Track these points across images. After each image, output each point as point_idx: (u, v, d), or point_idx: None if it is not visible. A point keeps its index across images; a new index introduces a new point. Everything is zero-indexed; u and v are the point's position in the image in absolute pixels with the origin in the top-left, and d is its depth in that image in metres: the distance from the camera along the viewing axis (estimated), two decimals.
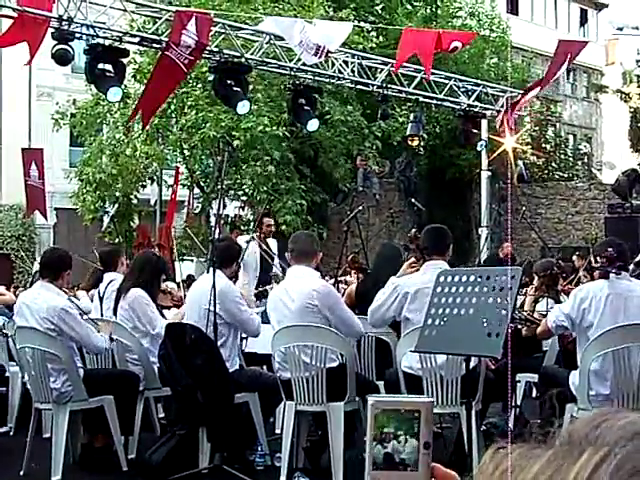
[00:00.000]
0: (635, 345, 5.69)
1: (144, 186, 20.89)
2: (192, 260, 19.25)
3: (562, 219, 23.35)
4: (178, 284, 10.07)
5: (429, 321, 4.70)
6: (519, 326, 6.63)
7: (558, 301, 7.72)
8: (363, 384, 6.35)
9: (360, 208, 10.17)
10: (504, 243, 14.17)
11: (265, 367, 7.33)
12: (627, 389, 5.67)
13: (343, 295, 7.64)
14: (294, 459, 6.22)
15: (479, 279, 4.56)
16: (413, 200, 12.18)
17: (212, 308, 6.26)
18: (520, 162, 22.46)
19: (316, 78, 13.65)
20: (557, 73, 13.48)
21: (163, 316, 7.20)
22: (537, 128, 26.47)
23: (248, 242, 9.44)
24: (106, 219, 20.33)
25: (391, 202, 22.79)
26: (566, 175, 27.27)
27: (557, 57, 13.16)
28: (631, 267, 6.75)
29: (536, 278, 7.97)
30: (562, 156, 28.65)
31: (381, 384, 6.58)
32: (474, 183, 19.61)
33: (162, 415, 7.61)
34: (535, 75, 28.96)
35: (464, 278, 4.66)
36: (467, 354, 4.62)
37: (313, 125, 13.49)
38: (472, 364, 5.66)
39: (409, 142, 16.37)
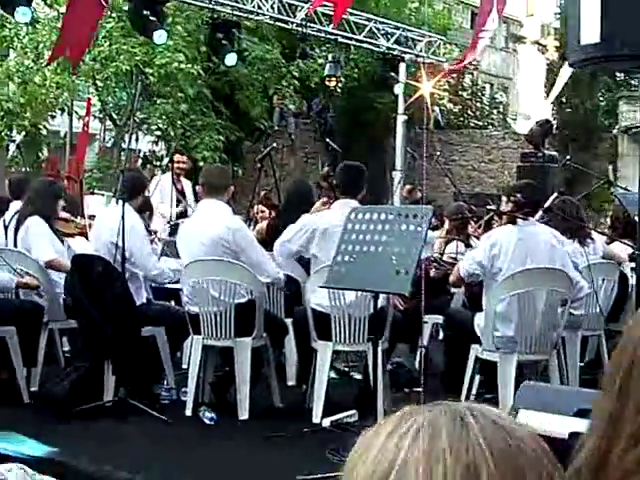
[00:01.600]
0: (540, 289, 5.79)
1: (54, 116, 20.35)
2: (103, 194, 18.93)
3: (476, 167, 23.57)
4: (89, 217, 9.88)
5: (339, 258, 4.70)
6: (428, 268, 6.68)
7: (468, 244, 7.80)
8: (272, 321, 6.34)
9: (274, 145, 10.09)
10: (407, 185, 14.27)
11: (173, 302, 7.26)
12: (530, 331, 5.78)
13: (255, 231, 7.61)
14: (200, 394, 6.21)
15: (390, 217, 4.56)
16: (328, 140, 12.14)
17: (120, 241, 6.14)
18: (436, 108, 22.57)
19: (235, 13, 13.44)
20: (488, 24, 13.45)
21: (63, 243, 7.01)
22: (454, 75, 26.56)
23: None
24: (12, 147, 19.78)
25: (307, 143, 22.69)
26: (481, 123, 27.49)
27: (483, 6, 13.17)
28: (539, 214, 6.83)
29: (447, 222, 8.04)
30: (478, 104, 28.84)
31: (290, 322, 6.57)
32: (390, 127, 19.61)
33: (67, 348, 7.49)
34: (456, 22, 29.04)
35: (375, 216, 4.65)
36: (376, 291, 4.63)
37: (231, 59, 13.30)
38: (381, 304, 5.70)
39: (327, 82, 16.29)
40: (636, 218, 4.64)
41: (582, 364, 7.04)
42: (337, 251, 4.73)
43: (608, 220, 9.02)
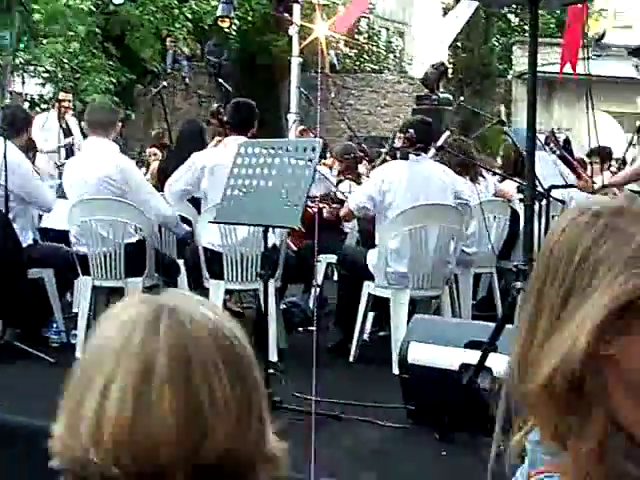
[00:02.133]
0: (432, 225, 5.81)
1: None
2: None
3: (372, 111, 23.61)
4: None
5: (228, 192, 4.61)
6: (321, 205, 6.65)
7: (360, 184, 7.79)
8: (163, 261, 6.24)
9: (164, 84, 9.86)
10: (299, 127, 14.20)
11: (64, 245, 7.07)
12: (423, 267, 5.80)
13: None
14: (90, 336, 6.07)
15: (279, 151, 4.49)
16: (221, 81, 11.93)
17: (2, 180, 5.92)
18: (332, 52, 22.44)
19: None
20: None
21: None
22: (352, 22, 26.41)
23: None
24: None
25: (201, 86, 22.34)
26: (377, 67, 27.52)
27: None
28: (432, 151, 6.85)
29: (337, 161, 8.01)
30: (374, 48, 28.84)
31: (182, 262, 6.47)
32: (285, 70, 19.43)
33: None
34: None
35: (265, 150, 4.57)
36: (266, 225, 4.56)
37: None
38: (274, 241, 5.65)
39: (219, 23, 15.99)
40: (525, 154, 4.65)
41: (475, 302, 7.14)
42: (226, 186, 4.64)
43: (500, 160, 9.11)
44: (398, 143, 6.15)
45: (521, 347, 1.31)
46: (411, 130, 5.99)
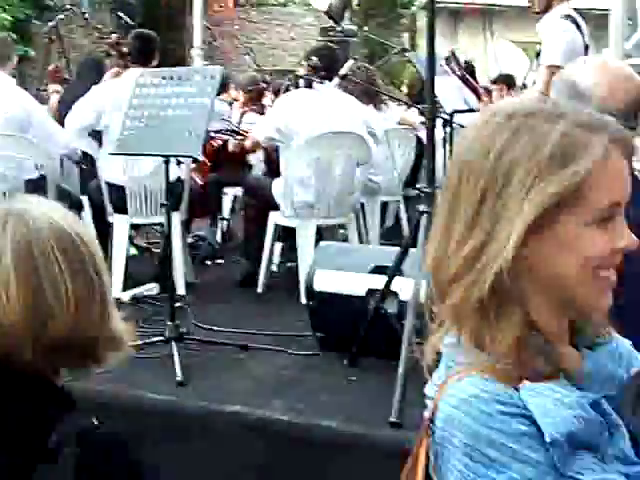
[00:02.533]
0: (338, 153, 5.78)
1: None
2: None
3: (277, 44, 23.37)
4: None
5: (128, 123, 4.51)
6: (225, 137, 6.56)
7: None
8: (65, 197, 6.09)
9: (61, 17, 9.55)
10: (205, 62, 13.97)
11: None
12: (329, 196, 5.79)
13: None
14: None
15: (179, 79, 4.39)
16: (121, 14, 11.63)
17: None
18: None
19: None
20: None
21: None
22: None
23: None
24: None
25: (102, 22, 21.78)
26: (282, 1, 27.16)
27: None
28: (336, 80, 6.79)
29: (241, 93, 7.90)
30: None
31: (85, 198, 6.33)
32: (188, 6, 19.05)
33: None
34: None
35: (163, 80, 4.47)
36: (167, 155, 4.46)
37: None
38: (178, 174, 5.56)
39: None
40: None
41: (382, 230, 7.17)
42: (125, 117, 4.53)
43: (405, 89, 9.12)
44: (302, 71, 6.08)
45: (436, 250, 1.33)
46: (314, 58, 5.93)
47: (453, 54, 6.74)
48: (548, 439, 1.18)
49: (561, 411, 1.20)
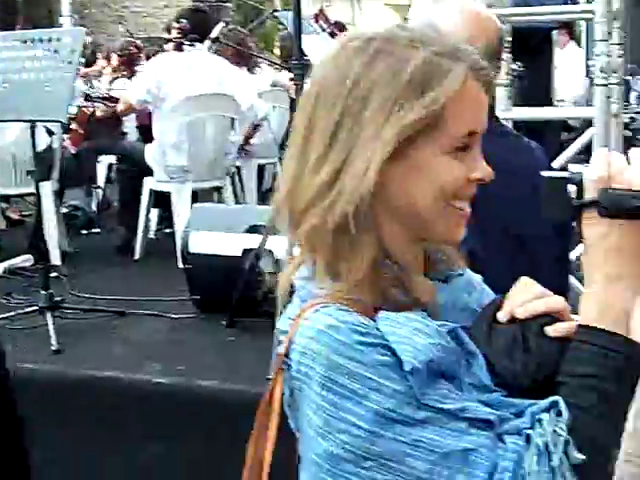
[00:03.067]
0: (209, 115, 5.74)
1: None
2: None
3: (150, 12, 22.97)
4: None
5: None
6: (95, 104, 6.43)
7: None
8: None
9: None
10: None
11: None
12: (203, 160, 5.75)
13: None
14: None
15: (39, 42, 4.27)
16: None
17: None
18: None
19: None
20: None
21: None
22: None
23: None
24: None
25: None
26: None
27: None
28: (207, 43, 6.73)
29: (114, 57, 7.76)
30: None
31: None
32: None
33: None
34: None
35: (22, 42, 4.34)
36: (33, 120, 4.34)
37: None
38: (48, 143, 5.43)
39: None
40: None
41: (260, 193, 7.16)
42: None
43: (278, 51, 9.08)
44: (172, 34, 6.00)
45: (291, 178, 1.30)
46: (184, 20, 5.86)
47: (321, 11, 6.73)
48: (407, 368, 1.17)
49: (420, 339, 1.19)
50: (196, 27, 5.97)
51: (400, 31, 1.29)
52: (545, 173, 1.26)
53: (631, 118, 10.50)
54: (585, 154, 4.02)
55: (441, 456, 1.15)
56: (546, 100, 5.98)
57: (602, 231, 1.19)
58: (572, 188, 1.20)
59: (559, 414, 1.16)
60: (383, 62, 1.24)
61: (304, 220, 1.28)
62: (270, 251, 4.24)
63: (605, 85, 3.64)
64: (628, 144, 9.22)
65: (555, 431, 1.14)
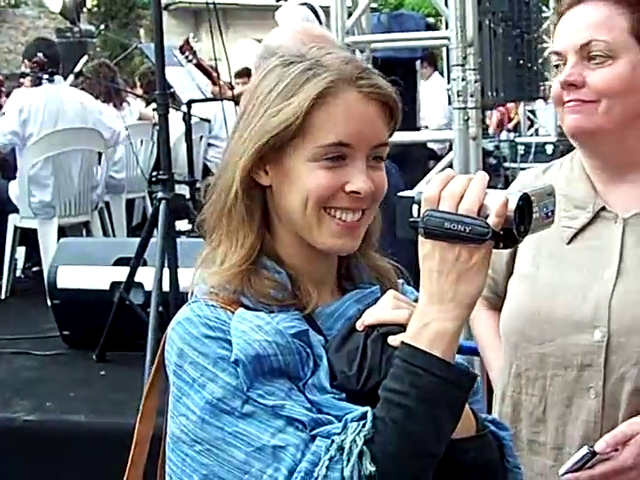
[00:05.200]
0: (74, 149, 5.67)
1: None
2: None
3: (12, 48, 22.53)
4: None
5: None
6: None
7: None
8: None
9: None
10: None
11: None
12: (68, 194, 5.66)
13: None
14: None
15: None
16: None
17: None
18: None
19: None
20: None
21: None
22: None
23: None
24: None
25: None
26: (14, 2, 26.18)
27: None
28: (71, 77, 6.66)
29: None
30: None
31: None
32: None
33: None
34: None
35: None
36: None
37: None
38: None
39: None
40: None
41: (130, 228, 7.08)
42: None
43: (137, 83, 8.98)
44: (25, 69, 5.91)
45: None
46: (40, 54, 5.78)
47: (187, 42, 6.72)
48: (232, 359, 1.24)
49: (254, 335, 1.24)
50: (51, 57, 5.90)
51: (291, 50, 1.37)
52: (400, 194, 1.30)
53: (496, 147, 10.87)
54: None
55: (255, 449, 1.21)
56: (412, 127, 6.14)
57: (426, 251, 1.20)
58: (415, 208, 1.22)
59: (365, 425, 1.19)
60: (272, 73, 1.33)
61: (206, 211, 1.38)
62: (139, 283, 4.21)
63: (463, 108, 3.74)
64: (496, 172, 9.53)
65: (355, 441, 1.17)
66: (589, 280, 1.80)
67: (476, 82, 3.84)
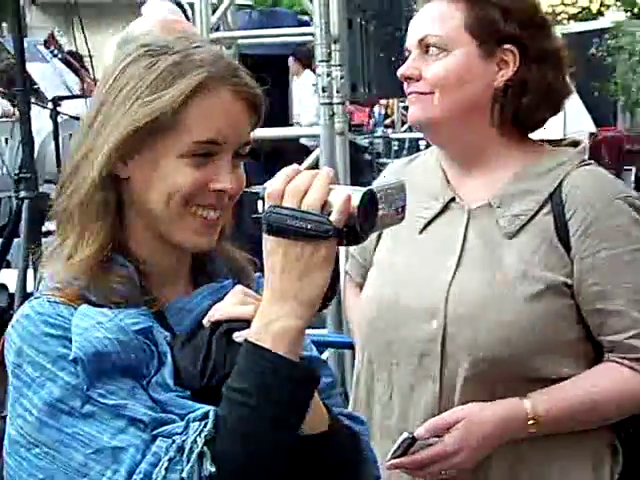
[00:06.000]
0: None
1: None
2: None
3: None
4: None
5: None
6: None
7: None
8: None
9: None
10: None
11: None
12: None
13: None
14: None
15: None
16: None
17: None
18: None
19: None
20: None
21: None
22: None
23: None
24: None
25: None
26: None
27: None
28: None
29: None
30: None
31: None
32: None
33: None
34: None
35: None
36: None
37: None
38: None
39: None
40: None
41: None
42: None
43: None
44: None
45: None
46: None
47: (52, 36, 6.53)
48: (71, 357, 1.20)
49: (94, 333, 1.21)
50: None
51: (157, 40, 1.34)
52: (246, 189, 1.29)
53: (370, 143, 10.98)
54: None
55: (94, 451, 1.18)
56: (284, 123, 6.15)
57: (270, 248, 1.19)
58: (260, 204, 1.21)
59: (206, 425, 1.17)
60: (138, 63, 1.29)
61: (57, 202, 1.33)
62: (3, 285, 4.10)
63: (329, 104, 3.76)
64: (370, 167, 9.64)
65: (195, 441, 1.16)
66: (435, 270, 1.86)
67: (342, 78, 3.87)
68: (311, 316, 1.20)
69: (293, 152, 6.26)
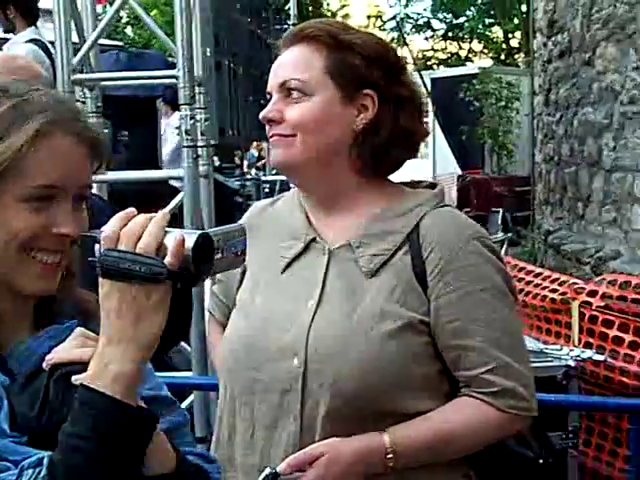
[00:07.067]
0: None
1: None
2: None
3: None
4: None
5: None
6: None
7: None
8: None
9: None
10: None
11: None
12: None
13: None
14: None
15: None
16: None
17: None
18: None
19: None
20: None
21: None
22: None
23: None
24: None
25: None
26: None
27: None
28: None
29: None
30: None
31: None
32: None
33: None
34: None
35: None
36: None
37: None
38: None
39: None
40: None
41: None
42: None
43: None
44: None
45: None
46: None
47: None
48: None
49: None
50: None
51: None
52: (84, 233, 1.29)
53: (242, 185, 11.01)
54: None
55: None
56: (154, 164, 6.08)
57: (105, 291, 1.18)
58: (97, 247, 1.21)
59: (40, 472, 1.15)
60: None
61: None
62: None
63: (192, 147, 3.73)
64: (240, 210, 9.63)
65: None
66: (297, 308, 1.88)
67: (206, 121, 3.86)
68: (148, 358, 1.20)
69: (161, 193, 6.19)
